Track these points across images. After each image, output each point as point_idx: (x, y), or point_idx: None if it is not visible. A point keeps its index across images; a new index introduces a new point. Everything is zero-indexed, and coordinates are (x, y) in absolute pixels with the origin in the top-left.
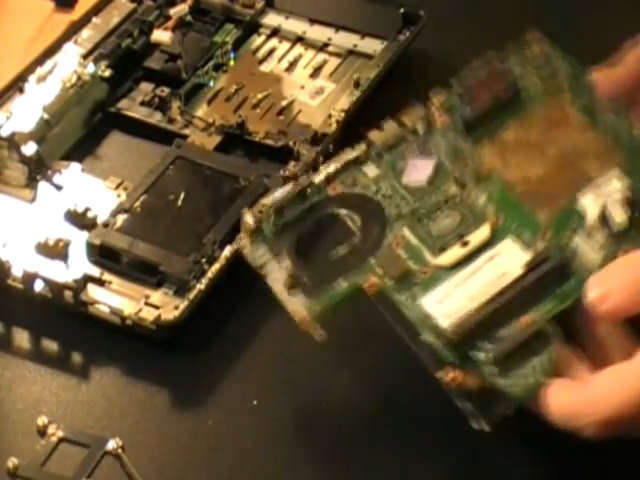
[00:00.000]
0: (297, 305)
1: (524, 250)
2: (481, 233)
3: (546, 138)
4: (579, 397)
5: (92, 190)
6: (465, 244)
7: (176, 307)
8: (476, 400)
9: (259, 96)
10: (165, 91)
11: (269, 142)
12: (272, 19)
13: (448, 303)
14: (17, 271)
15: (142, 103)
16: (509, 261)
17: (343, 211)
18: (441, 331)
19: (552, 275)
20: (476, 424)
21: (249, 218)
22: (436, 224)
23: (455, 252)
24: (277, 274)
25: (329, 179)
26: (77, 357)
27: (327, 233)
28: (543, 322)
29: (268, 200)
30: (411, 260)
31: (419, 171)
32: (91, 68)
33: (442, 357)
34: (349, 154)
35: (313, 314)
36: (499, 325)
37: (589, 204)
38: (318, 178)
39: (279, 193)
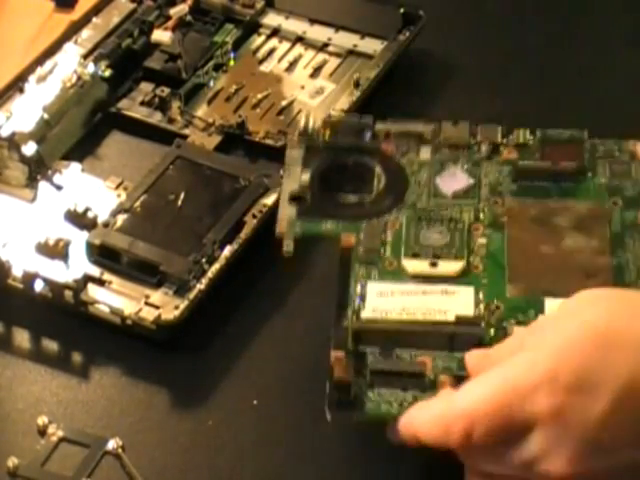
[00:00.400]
0: (286, 213)
1: (474, 305)
2: (451, 267)
3: (569, 232)
4: (441, 404)
5: (92, 190)
6: (434, 265)
7: (176, 307)
8: (337, 391)
9: (259, 96)
10: (165, 91)
11: (269, 142)
12: (272, 19)
13: (385, 301)
14: (17, 271)
15: (142, 103)
16: (457, 305)
17: (378, 168)
18: (358, 319)
19: (468, 341)
20: (327, 412)
21: (306, 119)
22: (428, 232)
23: (421, 266)
24: (294, 180)
25: (389, 134)
26: (77, 357)
27: (354, 175)
28: (434, 371)
29: (335, 114)
30: (389, 247)
31: (453, 181)
32: (91, 68)
33: (345, 339)
34: (419, 126)
35: (292, 230)
36: (401, 345)
37: (550, 309)
38: (381, 126)
39: (344, 116)
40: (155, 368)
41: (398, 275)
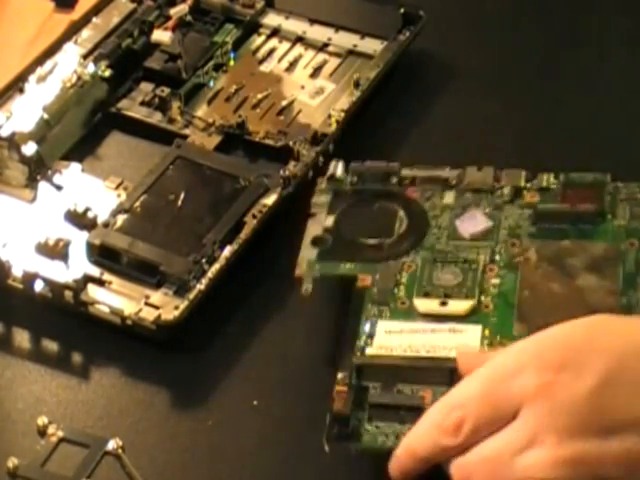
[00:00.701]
0: (307, 255)
1: (480, 342)
2: (460, 306)
3: (581, 273)
4: (433, 409)
5: (92, 190)
6: (444, 304)
7: (176, 307)
8: (336, 423)
9: (259, 96)
10: (165, 91)
11: (269, 142)
12: (272, 19)
13: (392, 338)
14: (17, 271)
15: (142, 103)
16: (463, 342)
17: (401, 212)
18: (363, 355)
19: None
20: (325, 444)
21: (334, 166)
22: (441, 272)
23: (432, 305)
24: (317, 223)
25: (414, 181)
26: (77, 357)
27: (378, 219)
28: (432, 404)
29: (357, 164)
30: (403, 288)
31: (472, 224)
32: (91, 68)
33: (349, 375)
34: (443, 172)
35: (312, 272)
36: (403, 381)
37: None
38: (407, 172)
39: (369, 163)
40: (155, 368)
41: (409, 314)
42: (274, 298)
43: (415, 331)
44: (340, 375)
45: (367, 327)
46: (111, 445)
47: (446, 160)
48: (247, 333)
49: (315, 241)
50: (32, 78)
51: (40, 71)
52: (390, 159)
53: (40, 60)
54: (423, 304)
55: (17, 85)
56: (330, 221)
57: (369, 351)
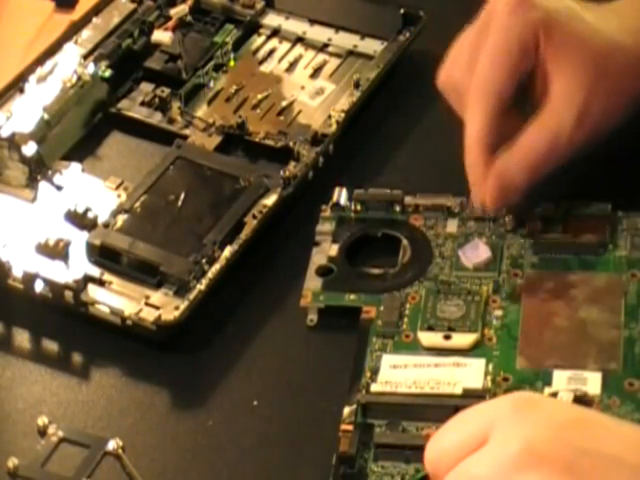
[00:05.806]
0: (312, 285)
1: (483, 377)
2: (464, 339)
3: (583, 305)
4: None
5: (92, 190)
6: (447, 338)
7: (176, 307)
8: (342, 463)
9: (259, 96)
10: (165, 91)
11: (269, 142)
12: (272, 19)
13: (396, 373)
14: (17, 271)
15: (142, 103)
16: (467, 377)
17: (405, 241)
18: (368, 392)
19: None
20: None
21: (338, 193)
22: (445, 304)
23: (435, 338)
24: (322, 252)
25: (418, 208)
26: (77, 357)
27: (382, 247)
28: None
29: (361, 191)
30: (407, 319)
31: (475, 254)
32: (91, 68)
33: (355, 412)
34: (447, 200)
35: (317, 303)
36: (408, 418)
37: (558, 381)
38: (410, 199)
39: (372, 191)
40: (155, 369)
41: (413, 347)
42: (274, 298)
43: (419, 365)
44: (346, 411)
45: (372, 361)
46: (111, 445)
47: (446, 161)
48: (247, 333)
49: (320, 271)
50: (32, 78)
51: (40, 71)
52: (390, 160)
53: (40, 60)
54: (427, 338)
55: (17, 85)
56: (334, 250)
57: (374, 388)
